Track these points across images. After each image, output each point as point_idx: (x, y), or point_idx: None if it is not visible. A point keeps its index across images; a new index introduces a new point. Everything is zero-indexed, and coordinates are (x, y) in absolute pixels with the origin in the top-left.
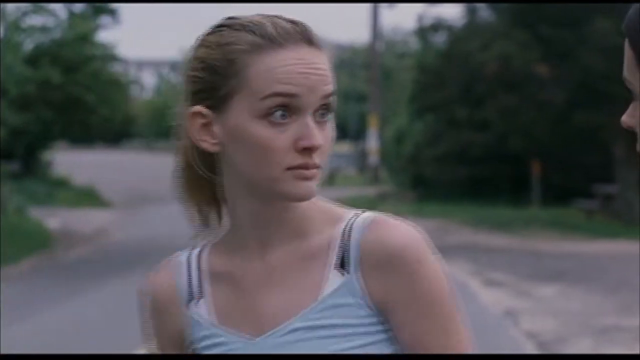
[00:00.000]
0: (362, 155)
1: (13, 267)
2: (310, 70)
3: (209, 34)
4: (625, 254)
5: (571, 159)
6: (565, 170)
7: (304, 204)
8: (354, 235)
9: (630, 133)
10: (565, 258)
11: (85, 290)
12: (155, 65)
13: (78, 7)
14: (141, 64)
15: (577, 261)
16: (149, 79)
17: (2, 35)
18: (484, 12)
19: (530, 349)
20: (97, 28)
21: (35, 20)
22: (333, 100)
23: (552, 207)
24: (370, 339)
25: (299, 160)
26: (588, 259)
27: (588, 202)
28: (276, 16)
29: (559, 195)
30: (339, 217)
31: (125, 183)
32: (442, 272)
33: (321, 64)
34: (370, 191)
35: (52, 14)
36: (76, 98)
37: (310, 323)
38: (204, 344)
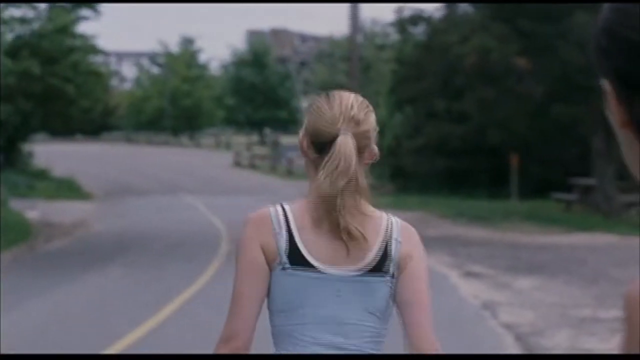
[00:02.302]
0: None
1: None
2: None
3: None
4: (603, 246)
5: (549, 152)
6: (543, 163)
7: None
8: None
9: (607, 126)
10: (544, 250)
11: (65, 281)
12: (135, 56)
13: None
14: (121, 56)
15: (556, 253)
16: (128, 71)
17: None
18: (464, 4)
19: (508, 341)
20: (77, 20)
21: (15, 11)
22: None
23: (530, 199)
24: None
25: None
26: (566, 251)
27: (566, 195)
28: None
29: (538, 188)
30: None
31: (105, 175)
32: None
33: None
34: None
35: (32, 5)
36: (56, 89)
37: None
38: None
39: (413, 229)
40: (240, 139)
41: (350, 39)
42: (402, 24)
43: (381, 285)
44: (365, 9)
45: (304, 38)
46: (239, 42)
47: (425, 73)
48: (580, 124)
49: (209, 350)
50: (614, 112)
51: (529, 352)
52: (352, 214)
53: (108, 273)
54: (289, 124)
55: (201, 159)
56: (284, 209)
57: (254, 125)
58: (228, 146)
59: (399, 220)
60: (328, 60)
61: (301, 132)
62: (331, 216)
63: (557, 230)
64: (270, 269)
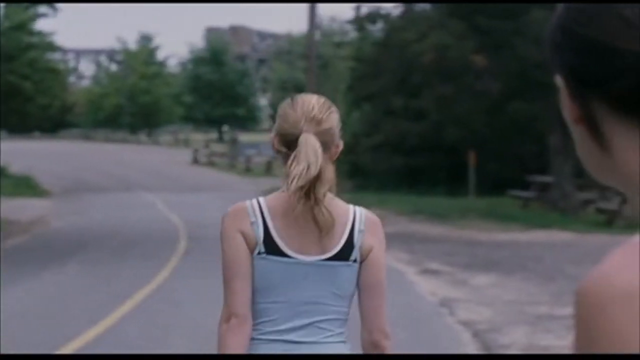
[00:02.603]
0: None
1: None
2: None
3: None
4: (560, 243)
5: (507, 149)
6: (501, 160)
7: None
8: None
9: (564, 123)
10: (501, 247)
11: (23, 279)
12: (93, 54)
13: None
14: (79, 53)
15: (513, 250)
16: (87, 68)
17: None
18: (421, 2)
19: (465, 338)
20: (34, 17)
21: None
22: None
23: (488, 196)
24: None
25: None
26: (523, 248)
27: (524, 192)
28: None
29: (495, 185)
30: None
31: (63, 172)
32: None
33: None
34: None
35: None
36: (13, 87)
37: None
38: None
39: (377, 220)
40: (198, 137)
41: (308, 37)
42: (360, 22)
43: (345, 270)
44: (324, 7)
45: (262, 35)
46: (198, 40)
47: (383, 70)
48: (538, 121)
49: (167, 348)
50: (567, 109)
51: (486, 348)
52: (319, 205)
53: (66, 270)
54: (248, 121)
55: (159, 157)
56: (259, 203)
57: (213, 122)
58: (186, 143)
59: (363, 211)
60: (286, 57)
61: (272, 133)
62: (302, 207)
63: (515, 227)
64: (251, 254)
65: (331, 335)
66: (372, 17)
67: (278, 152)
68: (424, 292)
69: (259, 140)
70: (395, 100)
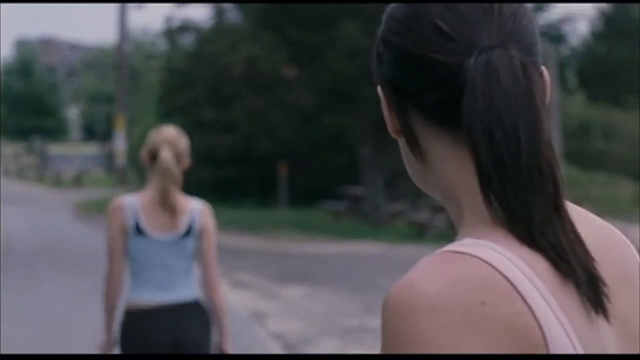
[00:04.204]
0: (110, 157)
1: None
2: None
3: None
4: (371, 254)
5: (318, 161)
6: (312, 172)
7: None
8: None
9: (375, 135)
10: (312, 259)
11: None
12: None
13: None
14: None
15: (324, 262)
16: None
17: None
18: (232, 13)
19: (276, 350)
20: None
21: None
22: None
23: (299, 208)
24: None
25: None
26: (335, 260)
27: (335, 204)
28: None
29: (307, 197)
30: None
31: None
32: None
33: None
34: (118, 192)
35: None
36: None
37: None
38: None
39: (207, 209)
40: (8, 149)
41: (118, 48)
42: (171, 33)
43: (189, 242)
44: (135, 19)
45: (72, 47)
46: (7, 51)
47: (194, 82)
48: (349, 133)
49: None
50: (388, 120)
51: None
52: (174, 198)
53: None
54: (58, 132)
55: None
56: (133, 199)
57: (22, 134)
58: None
59: (199, 203)
60: (97, 69)
61: (144, 150)
62: (163, 200)
63: (326, 239)
64: (127, 235)
65: (182, 282)
66: (183, 29)
67: (146, 163)
68: (235, 304)
69: (69, 152)
70: (206, 112)
